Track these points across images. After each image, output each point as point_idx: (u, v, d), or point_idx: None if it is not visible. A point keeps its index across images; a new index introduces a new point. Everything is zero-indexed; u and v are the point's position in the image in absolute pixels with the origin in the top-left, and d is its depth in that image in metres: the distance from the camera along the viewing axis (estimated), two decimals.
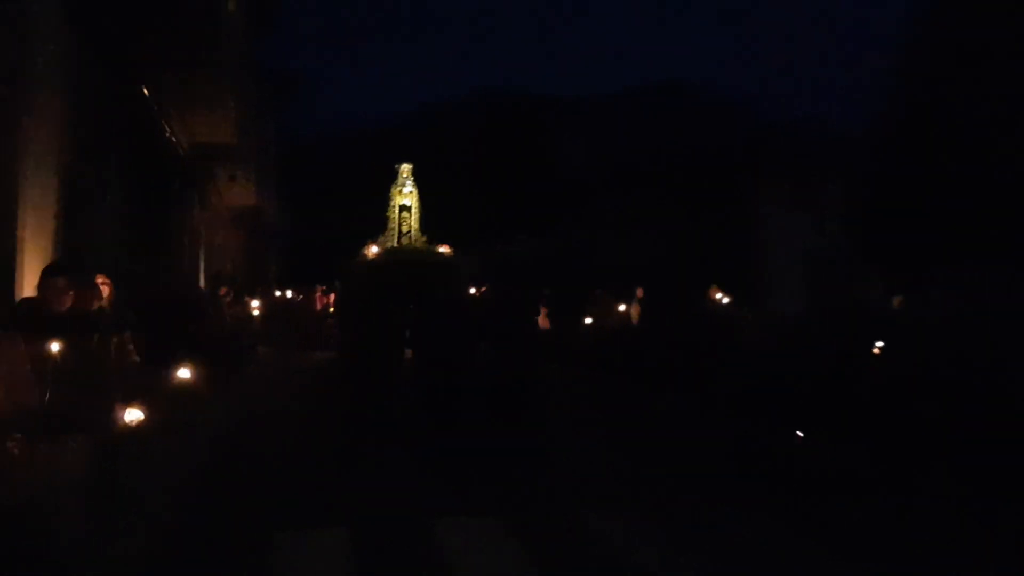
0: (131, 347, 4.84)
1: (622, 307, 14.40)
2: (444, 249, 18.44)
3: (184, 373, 6.40)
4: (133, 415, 4.58)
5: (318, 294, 18.63)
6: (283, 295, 19.19)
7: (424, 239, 18.76)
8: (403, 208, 18.83)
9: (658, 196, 31.63)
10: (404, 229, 18.69)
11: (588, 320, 14.41)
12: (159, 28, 10.84)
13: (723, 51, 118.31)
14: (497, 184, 38.46)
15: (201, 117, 14.90)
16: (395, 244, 18.54)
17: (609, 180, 37.68)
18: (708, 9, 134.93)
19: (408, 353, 10.60)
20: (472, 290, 13.86)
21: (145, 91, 11.93)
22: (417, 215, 18.87)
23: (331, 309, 17.62)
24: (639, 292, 14.14)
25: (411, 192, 18.97)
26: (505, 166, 40.11)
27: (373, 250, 18.24)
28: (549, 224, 34.31)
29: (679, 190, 31.66)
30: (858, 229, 22.81)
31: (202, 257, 16.90)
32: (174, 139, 14.32)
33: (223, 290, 12.14)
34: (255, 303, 13.23)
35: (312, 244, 34.21)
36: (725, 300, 13.37)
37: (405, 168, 19.26)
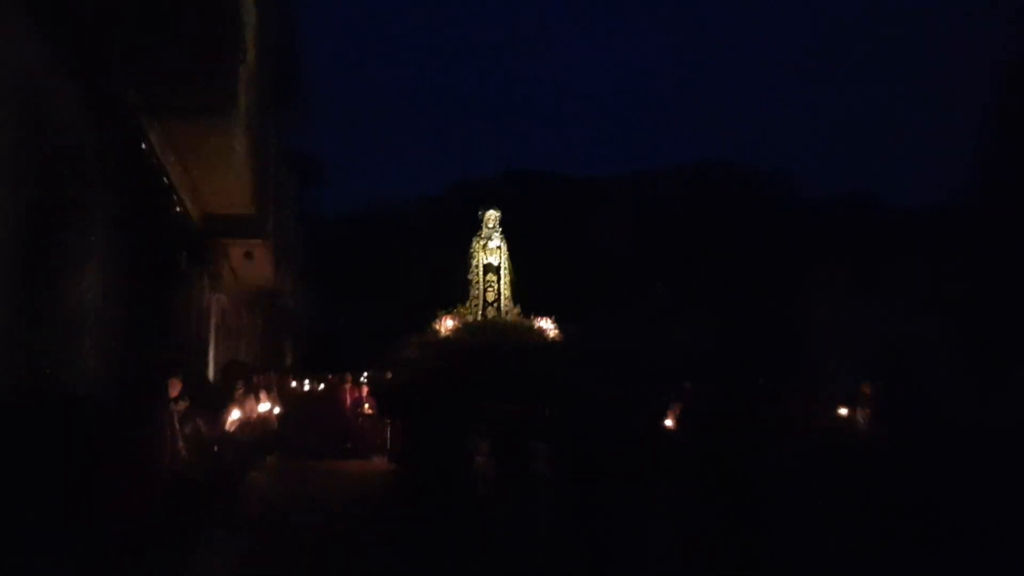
0: None
1: (843, 410, 10.42)
2: (546, 324, 14.46)
3: None
4: None
5: (348, 385, 15.37)
6: (300, 386, 16.26)
7: (518, 311, 14.89)
8: (488, 268, 14.91)
9: (711, 278, 29.49)
10: (490, 297, 14.84)
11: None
12: (164, 63, 8.88)
13: (761, 130, 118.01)
14: (534, 264, 36.41)
15: (214, 181, 12.89)
16: (478, 317, 14.63)
17: (652, 262, 35.62)
18: (742, 85, 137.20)
19: (484, 465, 7.73)
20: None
21: (143, 146, 9.85)
22: (508, 278, 14.91)
23: (367, 405, 14.30)
24: (865, 389, 10.39)
25: (499, 248, 15.03)
26: (540, 245, 38.13)
27: (448, 324, 14.26)
28: (587, 306, 32.07)
29: (734, 271, 29.51)
30: (950, 310, 20.92)
31: (212, 343, 14.61)
32: (179, 208, 12.24)
33: (175, 391, 7.36)
34: (234, 416, 8.84)
35: (338, 330, 32.05)
36: None
37: (491, 216, 15.38)
